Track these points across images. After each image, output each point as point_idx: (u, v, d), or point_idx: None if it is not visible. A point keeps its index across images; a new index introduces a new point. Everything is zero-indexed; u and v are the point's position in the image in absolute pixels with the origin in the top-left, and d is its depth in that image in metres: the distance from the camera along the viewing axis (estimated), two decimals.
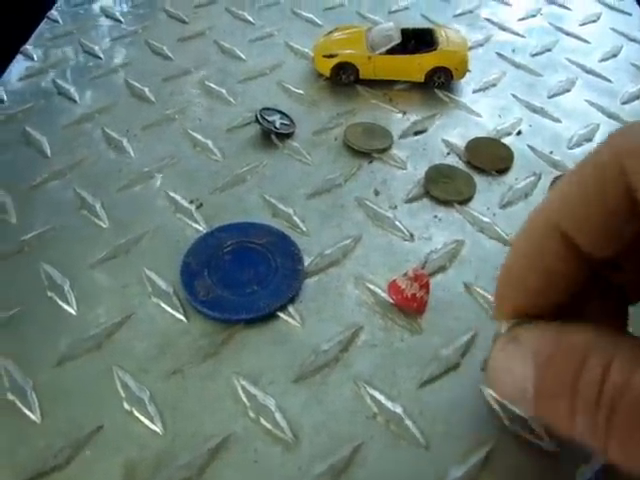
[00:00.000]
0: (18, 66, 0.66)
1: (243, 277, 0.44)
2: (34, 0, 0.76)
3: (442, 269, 0.46)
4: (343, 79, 0.62)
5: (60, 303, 0.44)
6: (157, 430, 0.37)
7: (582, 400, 0.25)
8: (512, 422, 0.38)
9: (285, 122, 0.57)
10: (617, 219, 0.26)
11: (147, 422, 0.38)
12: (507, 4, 0.78)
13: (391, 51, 0.61)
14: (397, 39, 0.60)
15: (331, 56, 0.62)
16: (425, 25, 0.67)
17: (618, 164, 0.26)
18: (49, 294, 0.44)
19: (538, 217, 0.29)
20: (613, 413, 0.25)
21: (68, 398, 0.39)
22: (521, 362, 0.28)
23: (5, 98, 0.61)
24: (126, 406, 0.38)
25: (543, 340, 0.27)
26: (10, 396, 0.39)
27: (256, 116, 0.56)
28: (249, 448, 0.37)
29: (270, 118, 0.56)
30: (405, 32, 0.62)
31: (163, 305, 0.44)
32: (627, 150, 0.26)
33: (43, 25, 0.72)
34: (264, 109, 0.57)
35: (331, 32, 0.66)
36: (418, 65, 0.61)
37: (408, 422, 0.38)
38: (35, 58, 0.67)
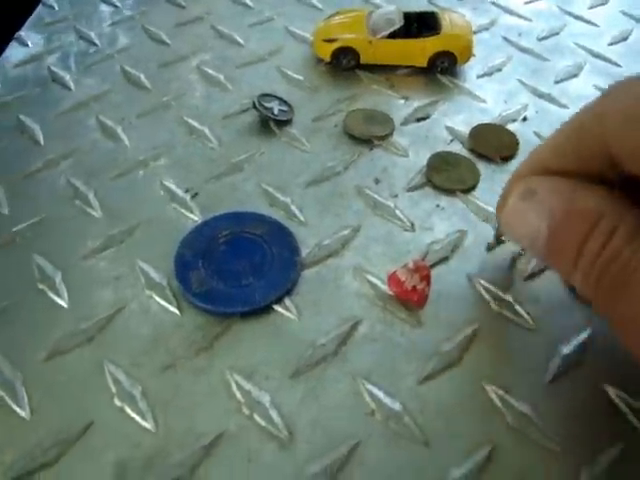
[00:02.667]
0: (12, 52, 0.65)
1: (238, 268, 0.43)
2: None
3: (444, 260, 0.45)
4: (344, 64, 0.61)
5: (51, 295, 0.43)
6: (149, 427, 0.36)
7: (583, 261, 0.30)
8: (516, 420, 0.36)
9: (283, 108, 0.56)
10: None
11: (138, 419, 0.37)
12: None
13: (393, 35, 0.59)
14: (399, 23, 0.59)
15: (331, 40, 0.60)
16: (428, 8, 0.66)
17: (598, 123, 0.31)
18: (40, 286, 0.43)
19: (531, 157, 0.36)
20: (601, 276, 0.29)
21: (58, 393, 0.38)
22: (536, 214, 0.32)
23: None
24: (117, 402, 0.37)
25: (560, 198, 0.31)
26: None
27: (254, 102, 0.54)
28: (243, 446, 0.36)
29: (268, 104, 0.55)
30: (408, 16, 0.60)
31: (156, 297, 0.42)
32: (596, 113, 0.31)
33: (38, 10, 0.71)
34: (262, 95, 0.56)
35: (332, 16, 0.64)
36: (421, 49, 0.59)
37: (408, 419, 0.37)
38: (30, 44, 0.66)
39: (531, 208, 0.32)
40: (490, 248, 0.45)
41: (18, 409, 0.37)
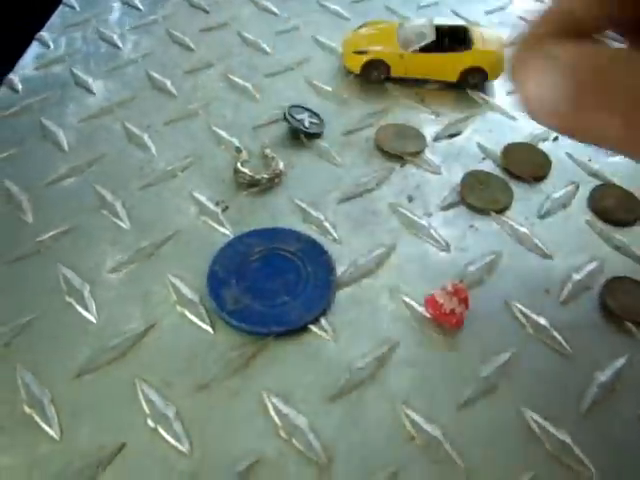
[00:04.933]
0: (33, 54, 0.64)
1: (273, 287, 0.42)
2: None
3: (479, 282, 0.44)
4: (373, 77, 0.60)
5: (79, 309, 0.42)
6: (184, 450, 0.35)
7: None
8: (554, 447, 0.36)
9: (314, 121, 0.55)
10: None
11: (173, 441, 0.36)
12: (540, 0, 0.75)
13: (424, 49, 0.58)
14: (431, 37, 0.58)
15: (362, 52, 0.59)
16: (456, 21, 0.65)
17: None
18: (67, 299, 0.42)
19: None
20: None
21: (89, 413, 0.37)
22: (561, 76, 0.27)
23: (20, 87, 0.59)
24: (150, 423, 0.36)
25: (580, 56, 0.27)
26: (27, 409, 0.37)
27: (284, 114, 0.53)
28: (281, 471, 0.35)
29: (299, 116, 0.54)
30: (439, 29, 0.59)
31: (189, 315, 0.41)
32: None
33: (59, 11, 0.70)
34: (292, 106, 0.55)
35: (360, 27, 0.64)
36: (452, 64, 0.59)
37: (447, 446, 0.36)
38: (51, 46, 0.64)
39: (554, 71, 0.27)
40: None
41: (47, 428, 0.36)
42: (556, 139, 0.56)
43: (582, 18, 0.30)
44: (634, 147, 0.26)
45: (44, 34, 0.66)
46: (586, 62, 0.27)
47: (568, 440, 0.36)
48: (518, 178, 0.52)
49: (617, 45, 0.28)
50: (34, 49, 0.64)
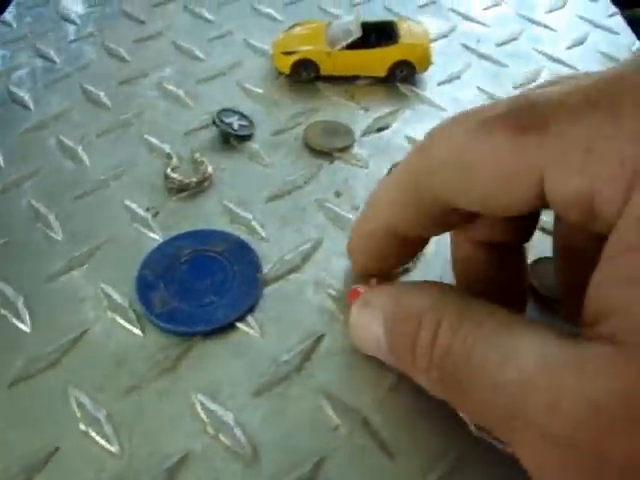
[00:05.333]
0: None
1: (200, 287, 0.43)
2: None
3: (405, 271, 0.45)
4: (303, 76, 0.61)
5: (14, 321, 0.42)
6: (114, 451, 0.36)
7: (419, 361, 0.30)
8: (480, 428, 0.37)
9: (244, 123, 0.56)
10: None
11: (104, 443, 0.37)
12: None
13: (351, 46, 0.59)
14: (357, 33, 0.59)
15: (290, 53, 0.60)
16: (388, 18, 0.66)
17: (414, 181, 0.32)
18: (2, 312, 0.43)
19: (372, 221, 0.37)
20: (442, 375, 0.29)
21: (22, 421, 0.38)
22: (373, 322, 0.33)
23: None
24: (82, 427, 0.37)
25: (388, 303, 0.33)
26: None
27: (213, 119, 0.54)
28: (209, 466, 0.36)
29: (228, 120, 0.55)
30: (366, 26, 0.60)
31: (119, 320, 0.42)
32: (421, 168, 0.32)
33: None
34: (222, 110, 0.56)
35: (291, 28, 0.65)
36: (380, 59, 0.60)
37: (372, 431, 0.37)
38: None
39: (368, 316, 0.34)
40: None
41: None
42: None
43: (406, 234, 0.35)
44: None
45: None
46: (388, 302, 0.33)
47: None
48: None
49: None
50: None
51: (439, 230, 0.36)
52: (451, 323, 0.29)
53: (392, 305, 0.33)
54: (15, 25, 0.71)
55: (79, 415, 0.38)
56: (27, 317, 0.43)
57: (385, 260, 0.39)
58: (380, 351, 0.34)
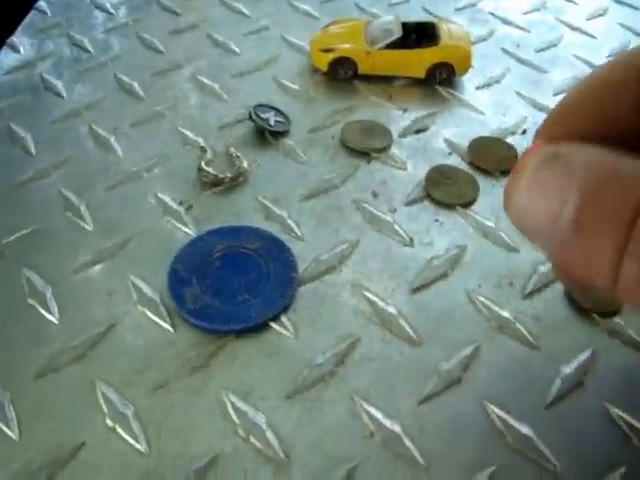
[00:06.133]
0: (4, 59, 0.63)
1: (234, 285, 0.42)
2: None
3: (443, 276, 0.44)
4: (341, 74, 0.60)
5: (41, 311, 0.42)
6: (141, 449, 0.35)
7: (638, 240, 0.20)
8: (516, 441, 0.36)
9: (280, 119, 0.55)
10: None
11: (131, 440, 0.36)
12: None
13: (391, 46, 0.58)
14: (397, 33, 0.58)
15: (329, 50, 0.59)
16: (427, 19, 0.65)
17: None
18: (30, 301, 0.42)
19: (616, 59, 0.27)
20: None
21: (48, 413, 0.37)
22: (563, 185, 0.22)
23: None
24: (109, 422, 0.36)
25: (596, 163, 0.22)
26: None
27: (250, 113, 0.53)
28: (238, 469, 0.35)
29: (264, 115, 0.54)
30: (406, 26, 0.59)
31: (149, 314, 0.41)
32: None
33: (30, 16, 0.70)
34: (258, 105, 0.55)
35: (329, 25, 0.64)
36: (419, 60, 0.59)
37: (407, 441, 0.36)
38: (22, 51, 0.64)
39: (556, 175, 0.22)
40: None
41: (7, 430, 0.36)
42: (524, 133, 0.56)
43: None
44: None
45: (14, 39, 0.66)
46: (596, 164, 0.22)
47: (531, 433, 0.36)
48: (484, 172, 0.52)
49: None
50: (5, 54, 0.64)
51: None
52: None
53: (601, 167, 0.22)
54: (49, 12, 0.70)
55: (106, 410, 0.37)
56: (55, 308, 0.42)
57: (598, 121, 0.27)
58: (556, 231, 0.22)
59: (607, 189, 0.21)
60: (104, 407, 0.37)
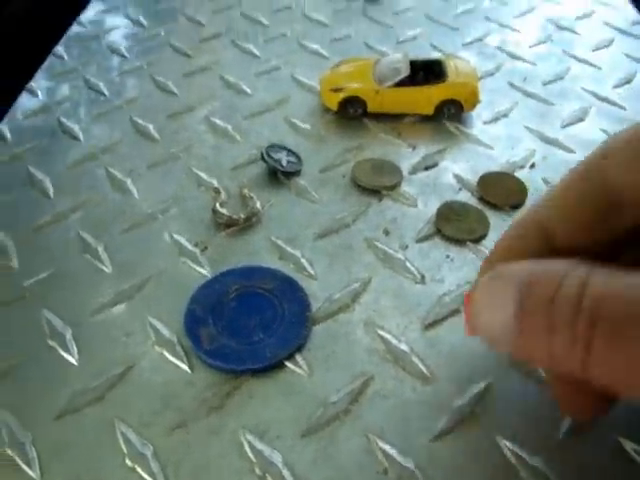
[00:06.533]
0: (23, 103, 0.65)
1: (249, 324, 0.43)
2: (39, 36, 0.76)
3: (456, 312, 0.45)
4: (351, 113, 0.61)
5: (61, 352, 0.43)
6: None
7: (560, 314, 0.25)
8: (530, 476, 0.36)
9: (292, 160, 0.56)
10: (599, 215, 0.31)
11: None
12: (516, 31, 0.77)
13: (399, 83, 0.59)
14: (405, 72, 0.59)
15: (338, 90, 0.60)
16: (434, 55, 0.66)
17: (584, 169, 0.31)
18: (50, 343, 0.43)
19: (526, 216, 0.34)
20: (593, 322, 0.24)
21: (68, 453, 0.37)
22: (506, 292, 0.28)
23: (9, 137, 0.61)
24: (128, 462, 0.37)
25: (525, 269, 0.28)
26: (9, 451, 0.37)
27: (262, 154, 0.54)
28: None
29: (276, 156, 0.55)
30: (414, 64, 0.61)
31: (166, 355, 0.42)
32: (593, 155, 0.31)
33: (49, 61, 0.72)
34: (270, 146, 0.56)
35: (338, 65, 0.65)
36: (427, 98, 0.60)
37: (421, 477, 0.36)
38: (40, 95, 0.66)
39: (499, 286, 0.29)
40: None
41: (28, 469, 0.37)
42: (533, 166, 0.56)
43: (556, 233, 0.33)
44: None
45: (33, 84, 0.68)
46: (526, 268, 0.28)
47: (543, 468, 0.36)
48: (495, 207, 0.52)
49: None
50: (23, 99, 0.66)
51: (596, 232, 0.32)
52: (602, 277, 0.25)
53: (528, 270, 0.28)
54: (66, 57, 0.72)
55: (125, 451, 0.38)
56: (75, 349, 0.43)
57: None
58: (506, 330, 0.28)
59: (532, 286, 0.27)
60: (124, 447, 0.38)
